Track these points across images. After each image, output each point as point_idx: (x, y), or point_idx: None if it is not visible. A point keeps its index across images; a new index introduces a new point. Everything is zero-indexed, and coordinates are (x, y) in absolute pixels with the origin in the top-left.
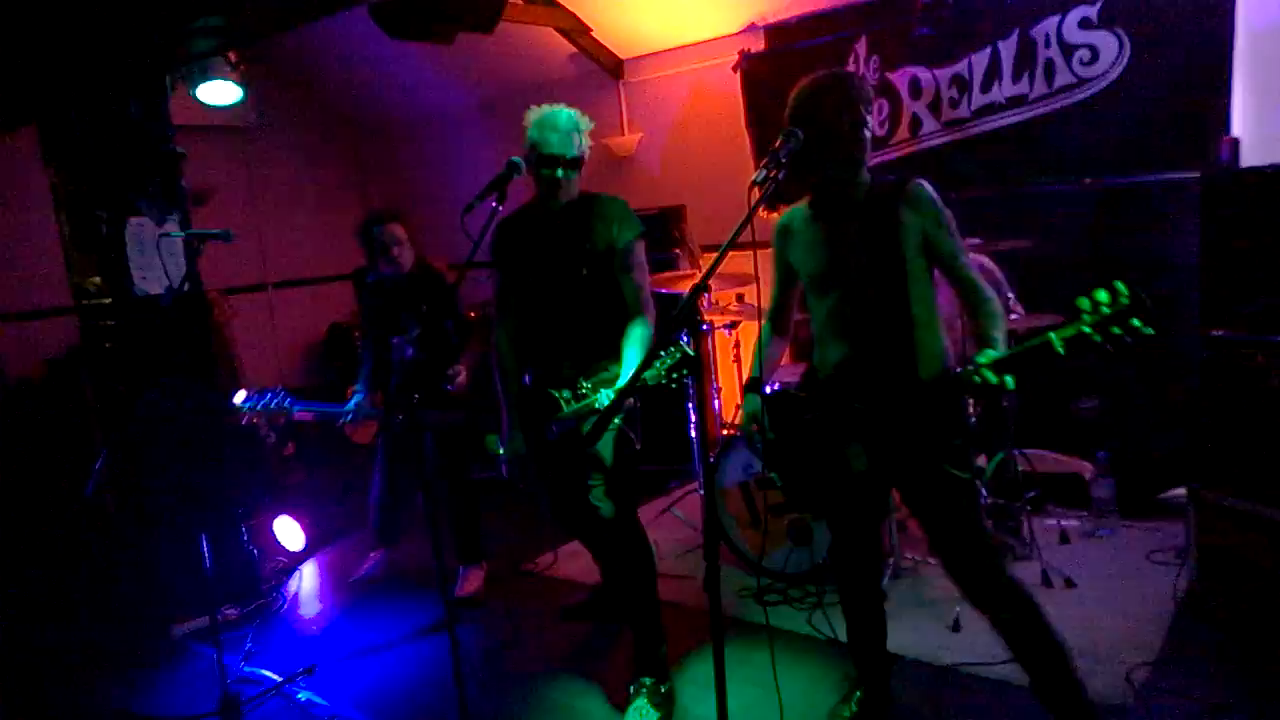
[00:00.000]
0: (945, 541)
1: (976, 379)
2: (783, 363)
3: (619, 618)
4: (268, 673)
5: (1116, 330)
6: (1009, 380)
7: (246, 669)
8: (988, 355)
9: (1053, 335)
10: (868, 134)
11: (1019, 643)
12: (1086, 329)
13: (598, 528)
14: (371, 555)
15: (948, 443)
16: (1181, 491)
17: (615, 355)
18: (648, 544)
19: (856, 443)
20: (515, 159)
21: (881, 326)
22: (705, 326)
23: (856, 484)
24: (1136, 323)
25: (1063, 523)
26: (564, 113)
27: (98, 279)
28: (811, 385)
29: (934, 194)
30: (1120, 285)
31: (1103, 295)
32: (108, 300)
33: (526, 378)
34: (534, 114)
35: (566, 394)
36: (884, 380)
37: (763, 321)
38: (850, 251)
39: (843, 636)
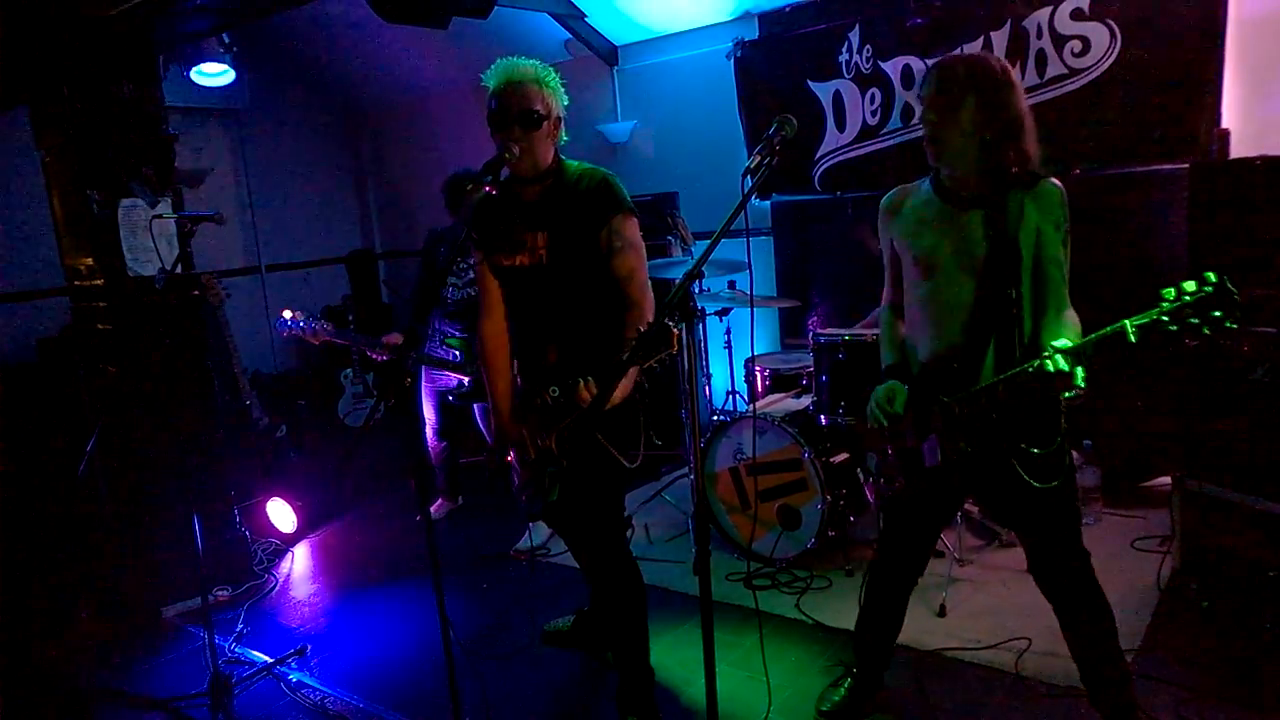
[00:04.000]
0: (1029, 545)
1: (1049, 364)
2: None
3: (604, 648)
4: (259, 654)
5: (1194, 320)
6: (1079, 373)
7: (237, 650)
8: (1060, 342)
9: (1127, 322)
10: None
11: (1085, 644)
12: (1164, 317)
13: (587, 546)
14: (440, 500)
15: (1019, 448)
16: (1166, 480)
17: (610, 345)
18: (637, 576)
19: (934, 437)
20: (510, 146)
21: (984, 319)
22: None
23: (928, 479)
24: (1218, 314)
25: None
26: (524, 63)
27: (90, 260)
28: (904, 375)
29: (1063, 195)
30: (1210, 274)
31: (1188, 285)
32: (100, 282)
33: (517, 377)
34: (492, 69)
35: (555, 390)
36: (970, 376)
37: (883, 305)
38: (968, 237)
39: (829, 621)
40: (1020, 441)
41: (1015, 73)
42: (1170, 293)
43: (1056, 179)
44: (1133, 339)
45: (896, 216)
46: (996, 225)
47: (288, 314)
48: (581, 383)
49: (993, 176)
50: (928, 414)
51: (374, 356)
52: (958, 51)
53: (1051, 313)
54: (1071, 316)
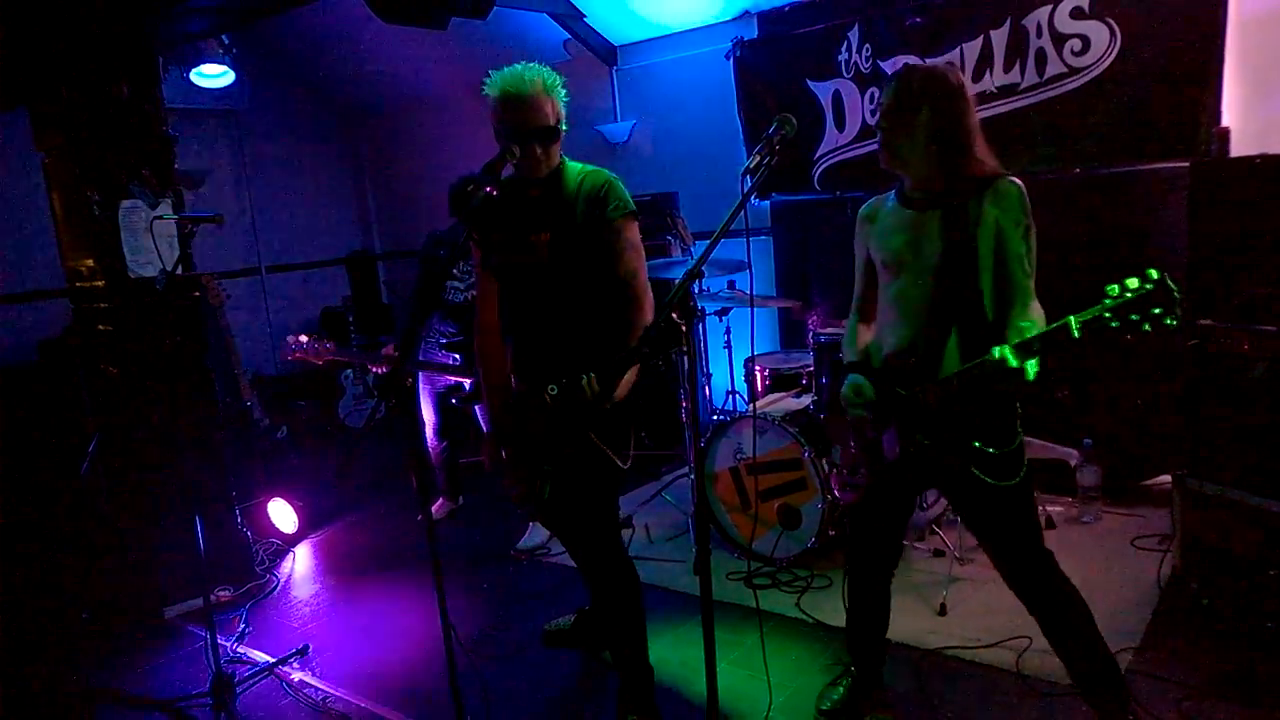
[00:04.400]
0: (988, 546)
1: (995, 354)
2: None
3: (604, 647)
4: (260, 654)
5: (1135, 317)
6: (1030, 366)
7: (239, 650)
8: (1010, 338)
9: (1071, 319)
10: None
11: (1065, 642)
12: (1106, 314)
13: (582, 545)
14: (440, 500)
15: (973, 447)
16: (1166, 478)
17: (609, 344)
18: (632, 574)
19: (893, 429)
20: (511, 147)
21: (943, 315)
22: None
23: (889, 472)
24: (1158, 311)
25: (1048, 508)
26: (529, 74)
27: (90, 261)
28: (865, 370)
29: (1023, 194)
30: (1152, 272)
31: (1131, 282)
32: (100, 283)
33: (513, 378)
34: (496, 80)
35: (553, 389)
36: (931, 370)
37: (851, 313)
38: (928, 238)
39: (830, 621)
40: (977, 440)
41: (970, 86)
42: (1114, 289)
43: (1017, 178)
44: (1076, 334)
45: (872, 224)
46: (953, 225)
47: (291, 338)
48: (585, 379)
49: (948, 180)
50: (887, 406)
51: (374, 369)
52: (956, 51)
53: (1017, 307)
54: (1036, 311)
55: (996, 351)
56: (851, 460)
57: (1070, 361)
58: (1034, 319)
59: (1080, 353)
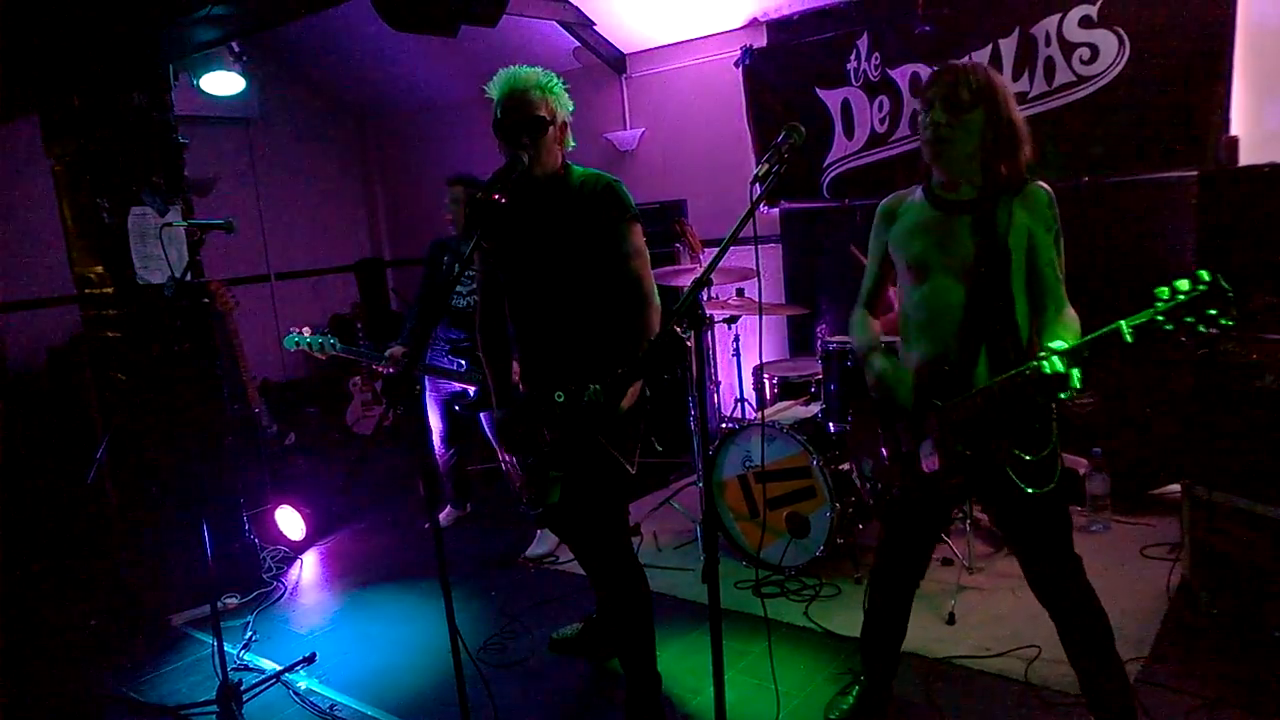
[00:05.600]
0: (1019, 550)
1: (1045, 365)
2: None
3: (612, 655)
4: (267, 661)
5: (1189, 319)
6: (1075, 374)
7: (246, 657)
8: (1056, 344)
9: (1123, 323)
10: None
11: (1082, 651)
12: (1159, 316)
13: (592, 551)
14: (448, 508)
15: (1012, 453)
16: (1176, 487)
17: (615, 350)
18: (642, 581)
19: (928, 441)
20: (519, 154)
21: (975, 321)
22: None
23: (924, 484)
24: (1213, 312)
25: None
26: (524, 71)
27: (100, 268)
28: (889, 353)
29: (1052, 197)
30: (1203, 273)
31: (1182, 284)
32: (110, 290)
33: (519, 383)
34: (494, 80)
35: (560, 396)
36: (964, 378)
37: (857, 306)
38: (957, 242)
39: (838, 629)
40: (1014, 446)
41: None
42: (1164, 291)
43: (1044, 182)
44: (1129, 339)
45: (893, 222)
46: (985, 230)
47: (294, 330)
48: (590, 392)
49: (982, 183)
50: (923, 417)
51: (379, 370)
52: (966, 59)
53: (1051, 312)
54: (1070, 316)
55: (1046, 364)
56: (885, 473)
57: (1097, 370)
58: (1070, 324)
59: (1108, 362)
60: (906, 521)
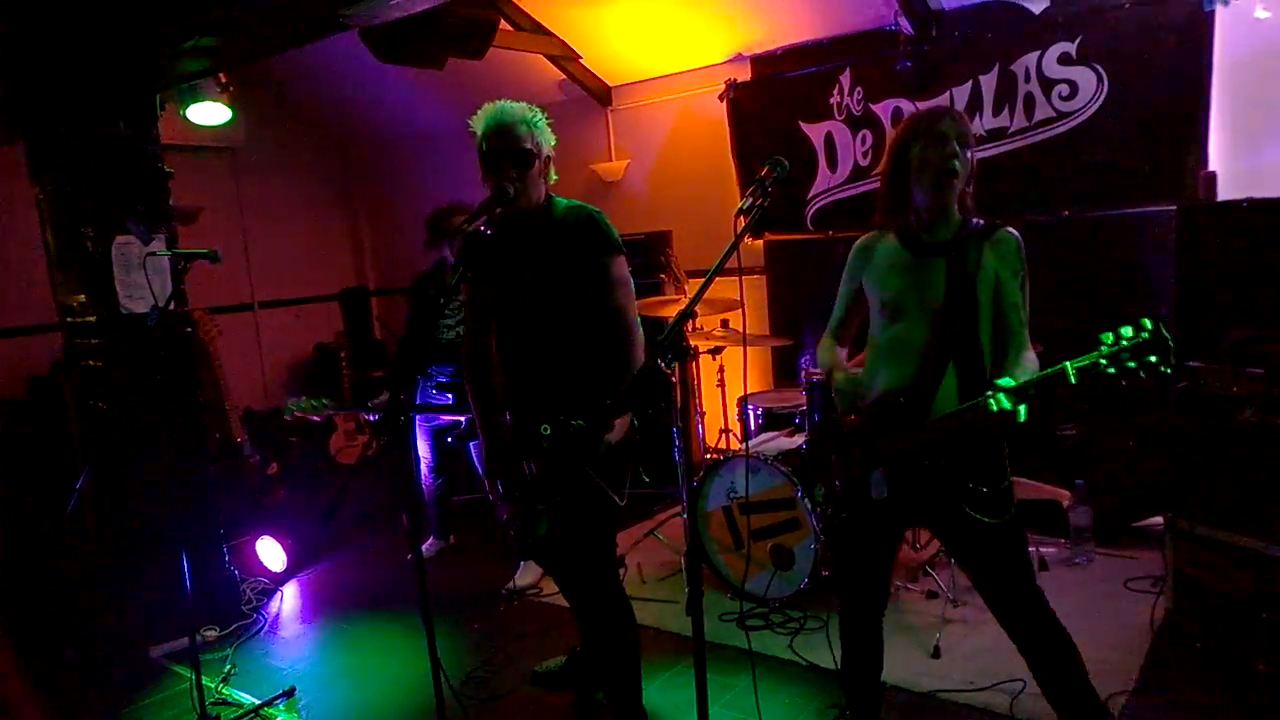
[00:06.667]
0: (979, 583)
1: (991, 403)
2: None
3: (596, 689)
4: (246, 696)
5: (1131, 364)
6: (1021, 410)
7: (225, 691)
8: (1004, 381)
9: (1068, 365)
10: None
11: (1054, 683)
12: (1102, 360)
13: (579, 584)
14: (431, 539)
15: (967, 486)
16: (1159, 520)
17: (601, 382)
18: (630, 614)
19: (879, 470)
20: (505, 186)
21: (940, 359)
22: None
23: (874, 512)
24: (1153, 359)
25: (1041, 550)
26: (509, 105)
27: (82, 297)
28: (848, 381)
29: (1020, 244)
30: (1146, 321)
31: (1126, 330)
32: (92, 318)
33: (507, 416)
34: (479, 115)
35: (546, 429)
36: (922, 411)
37: (825, 334)
38: (931, 284)
39: (823, 663)
40: (968, 480)
41: None
42: (1108, 336)
43: (1015, 224)
44: (1073, 380)
45: (869, 260)
46: (956, 272)
47: (292, 402)
48: (574, 427)
49: (953, 224)
50: (876, 447)
51: (370, 419)
52: (946, 95)
53: (1011, 354)
54: (1029, 359)
55: (992, 401)
56: (836, 500)
57: (1077, 402)
58: (1027, 366)
59: (1088, 394)
60: (857, 550)
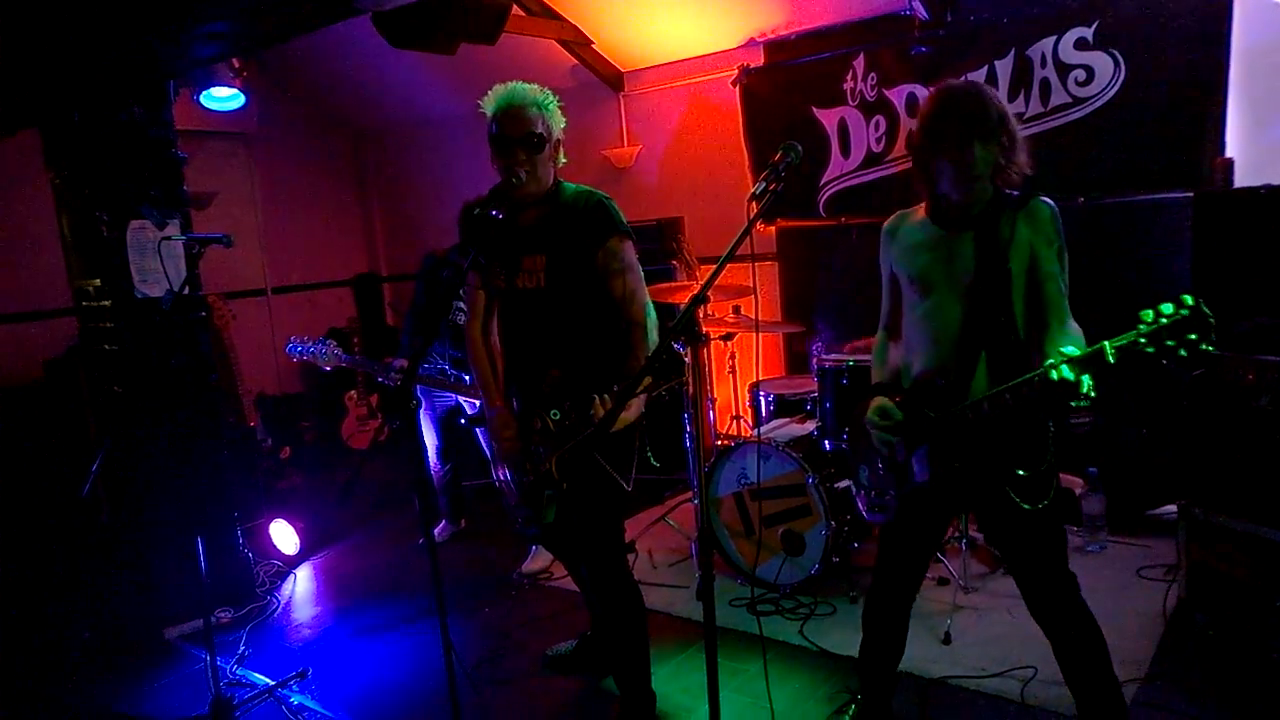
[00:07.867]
0: (1014, 567)
1: (1054, 373)
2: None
3: (607, 673)
4: (260, 676)
5: (1171, 343)
6: (1086, 381)
7: (239, 672)
8: (1069, 349)
9: (1106, 344)
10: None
11: (1078, 669)
12: (1141, 339)
13: (587, 568)
14: (443, 523)
15: (1010, 469)
16: (1172, 508)
17: (609, 367)
18: (638, 598)
19: (923, 452)
20: (517, 172)
21: (974, 336)
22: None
23: (916, 498)
24: (1194, 337)
25: None
26: (520, 87)
27: (97, 281)
28: (892, 391)
29: (1054, 212)
30: (1187, 298)
31: (1166, 308)
32: (107, 303)
33: (515, 401)
34: (490, 96)
35: (555, 414)
36: (960, 391)
37: (879, 330)
38: (960, 257)
39: (834, 648)
40: (1010, 462)
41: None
42: (1148, 315)
43: (1048, 198)
44: (1111, 359)
45: (894, 241)
46: (986, 246)
47: (295, 338)
48: (597, 399)
49: (987, 198)
50: (917, 429)
51: (384, 381)
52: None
53: (1054, 325)
54: (1074, 328)
55: (1055, 371)
56: (879, 482)
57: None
58: (1074, 335)
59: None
60: (900, 536)
